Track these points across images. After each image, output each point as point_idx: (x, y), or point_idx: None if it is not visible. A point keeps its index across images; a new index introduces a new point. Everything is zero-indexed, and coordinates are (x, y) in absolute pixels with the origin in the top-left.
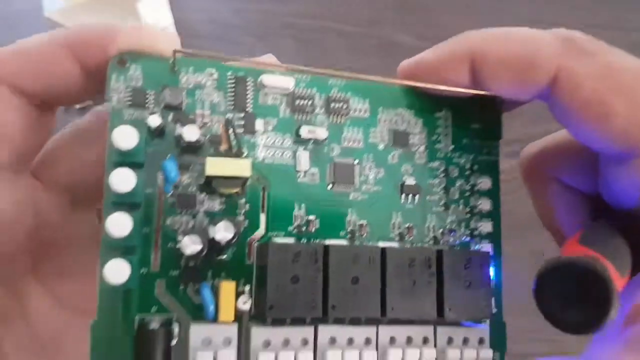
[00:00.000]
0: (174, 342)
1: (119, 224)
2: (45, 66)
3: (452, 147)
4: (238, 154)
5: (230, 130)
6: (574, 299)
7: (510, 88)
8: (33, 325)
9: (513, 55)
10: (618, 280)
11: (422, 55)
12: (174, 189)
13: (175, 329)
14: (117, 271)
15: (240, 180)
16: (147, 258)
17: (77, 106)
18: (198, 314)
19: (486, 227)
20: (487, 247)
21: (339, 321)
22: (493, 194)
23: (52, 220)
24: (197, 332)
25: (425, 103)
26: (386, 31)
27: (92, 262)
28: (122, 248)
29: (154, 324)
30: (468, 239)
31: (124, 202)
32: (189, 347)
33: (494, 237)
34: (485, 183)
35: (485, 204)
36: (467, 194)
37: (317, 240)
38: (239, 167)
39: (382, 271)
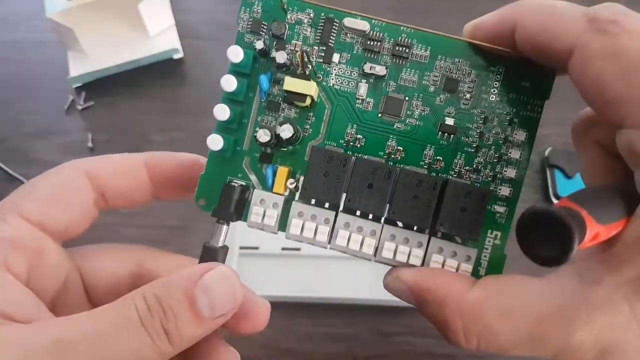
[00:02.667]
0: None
1: (222, 111)
2: None
3: (497, 99)
4: (308, 78)
5: (305, 58)
6: (546, 239)
7: (537, 56)
8: None
9: (542, 27)
10: (593, 225)
11: (482, 18)
12: (266, 96)
13: (248, 190)
14: (214, 142)
15: (306, 97)
16: (242, 140)
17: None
18: (264, 184)
19: (510, 173)
20: (506, 190)
21: (352, 212)
22: (525, 146)
23: None
24: (258, 194)
25: (482, 57)
26: None
27: None
28: (223, 128)
29: (236, 183)
30: (490, 179)
31: (230, 99)
32: (251, 202)
33: (515, 184)
34: (520, 135)
35: (515, 154)
36: (500, 141)
37: (353, 154)
38: (306, 87)
39: (395, 184)
